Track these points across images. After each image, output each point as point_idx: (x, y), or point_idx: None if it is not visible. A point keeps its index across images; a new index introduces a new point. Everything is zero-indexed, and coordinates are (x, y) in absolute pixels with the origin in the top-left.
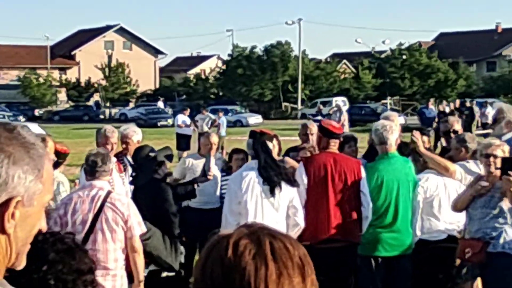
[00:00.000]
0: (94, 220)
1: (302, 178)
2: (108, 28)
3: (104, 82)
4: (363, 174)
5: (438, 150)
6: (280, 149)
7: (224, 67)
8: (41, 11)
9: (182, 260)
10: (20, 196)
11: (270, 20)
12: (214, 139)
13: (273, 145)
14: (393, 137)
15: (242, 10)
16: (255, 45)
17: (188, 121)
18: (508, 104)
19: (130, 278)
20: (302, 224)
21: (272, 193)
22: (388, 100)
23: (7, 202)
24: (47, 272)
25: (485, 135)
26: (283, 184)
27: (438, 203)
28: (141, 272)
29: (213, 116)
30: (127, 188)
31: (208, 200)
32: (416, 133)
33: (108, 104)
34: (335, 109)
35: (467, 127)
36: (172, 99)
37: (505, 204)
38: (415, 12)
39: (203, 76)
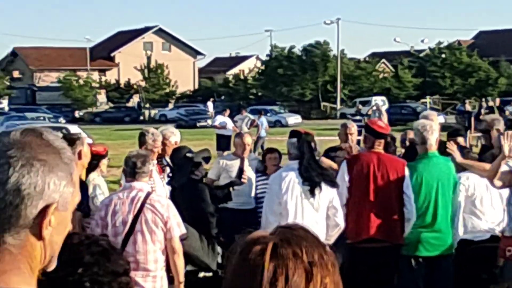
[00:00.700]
0: (133, 221)
1: (345, 176)
2: (147, 29)
3: (143, 84)
4: (407, 175)
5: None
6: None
7: (263, 67)
8: (81, 13)
9: (220, 260)
10: (56, 202)
11: (308, 20)
12: (248, 139)
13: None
14: (433, 137)
15: (280, 10)
16: (294, 45)
17: (228, 121)
18: None
19: (169, 279)
20: (342, 224)
21: (312, 193)
22: (428, 99)
23: (45, 209)
24: (83, 274)
25: None
26: (323, 185)
27: (480, 202)
28: (181, 273)
29: (252, 117)
30: (166, 189)
31: (245, 201)
32: (450, 145)
33: (147, 106)
34: (374, 108)
35: None
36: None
37: None
38: (453, 11)
39: (242, 77)
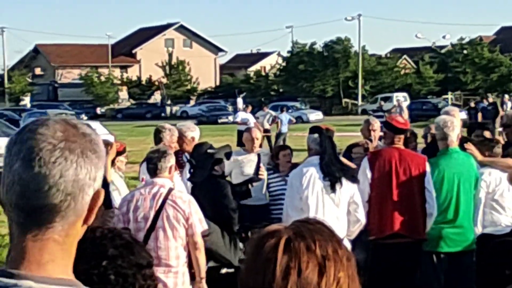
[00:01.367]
0: (155, 217)
1: (366, 172)
2: (168, 26)
3: (165, 80)
4: (428, 170)
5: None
6: None
7: (284, 63)
8: (102, 10)
9: (242, 256)
10: (100, 189)
11: (329, 16)
12: (257, 134)
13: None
14: (455, 133)
15: (301, 6)
16: (315, 42)
17: (250, 118)
18: None
19: (191, 275)
20: (363, 220)
21: (333, 189)
22: (449, 95)
23: (95, 196)
24: (107, 267)
25: None
26: (344, 180)
27: (501, 197)
28: (203, 269)
29: (273, 113)
30: (184, 185)
31: (257, 196)
32: (468, 145)
33: (169, 102)
34: (396, 104)
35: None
36: (233, 96)
37: None
38: (475, 7)
39: (263, 73)
